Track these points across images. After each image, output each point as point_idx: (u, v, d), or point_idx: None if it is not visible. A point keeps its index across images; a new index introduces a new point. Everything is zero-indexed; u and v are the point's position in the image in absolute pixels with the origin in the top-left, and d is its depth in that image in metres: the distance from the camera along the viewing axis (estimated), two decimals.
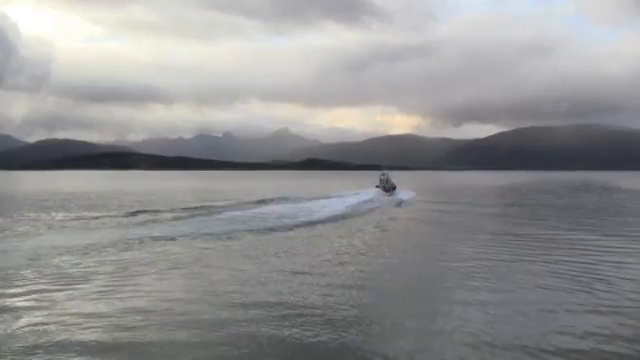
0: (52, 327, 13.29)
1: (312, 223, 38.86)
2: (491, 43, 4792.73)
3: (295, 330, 13.14)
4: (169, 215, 42.72)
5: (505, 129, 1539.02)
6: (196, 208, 49.30)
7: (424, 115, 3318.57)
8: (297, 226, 36.80)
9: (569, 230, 35.55)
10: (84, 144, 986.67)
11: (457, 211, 53.52)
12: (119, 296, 16.51)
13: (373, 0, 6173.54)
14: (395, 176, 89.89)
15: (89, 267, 20.95)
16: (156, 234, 30.32)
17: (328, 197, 64.00)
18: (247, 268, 21.23)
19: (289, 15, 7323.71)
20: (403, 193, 72.42)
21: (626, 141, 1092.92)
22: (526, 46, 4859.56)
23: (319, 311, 14.81)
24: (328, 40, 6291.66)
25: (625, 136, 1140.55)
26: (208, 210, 47.14)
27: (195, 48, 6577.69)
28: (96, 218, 40.02)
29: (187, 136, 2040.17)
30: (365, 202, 58.93)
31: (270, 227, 35.54)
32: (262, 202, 57.35)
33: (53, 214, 43.64)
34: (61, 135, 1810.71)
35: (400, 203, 61.45)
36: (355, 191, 75.39)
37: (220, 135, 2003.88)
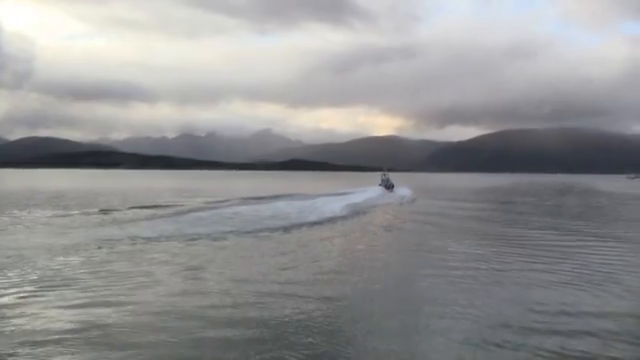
0: (32, 330, 12.77)
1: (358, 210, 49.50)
2: (475, 45, 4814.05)
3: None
4: (148, 213, 42.31)
5: (488, 131, 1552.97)
6: (174, 206, 49.15)
7: (407, 117, 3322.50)
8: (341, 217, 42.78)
9: (562, 234, 35.20)
10: (66, 142, 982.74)
11: (456, 207, 59.85)
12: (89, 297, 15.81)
13: (357, 1, 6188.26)
14: (377, 177, 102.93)
15: (67, 268, 20.17)
16: (138, 234, 29.47)
17: (344, 194, 72.52)
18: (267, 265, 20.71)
19: (274, 15, 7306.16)
20: (401, 190, 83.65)
21: (608, 144, 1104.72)
22: (510, 49, 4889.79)
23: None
24: (312, 40, 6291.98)
25: (607, 139, 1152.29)
26: (189, 209, 46.58)
27: (179, 47, 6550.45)
28: (72, 216, 39.31)
29: (170, 135, 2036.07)
30: (378, 196, 71.48)
31: (295, 218, 39.82)
32: (278, 197, 64.44)
33: (31, 212, 42.94)
34: (43, 133, 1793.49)
35: (403, 198, 70.38)
36: (363, 188, 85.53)
37: (203, 135, 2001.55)
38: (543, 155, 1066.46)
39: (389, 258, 24.60)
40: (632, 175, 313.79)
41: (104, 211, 44.09)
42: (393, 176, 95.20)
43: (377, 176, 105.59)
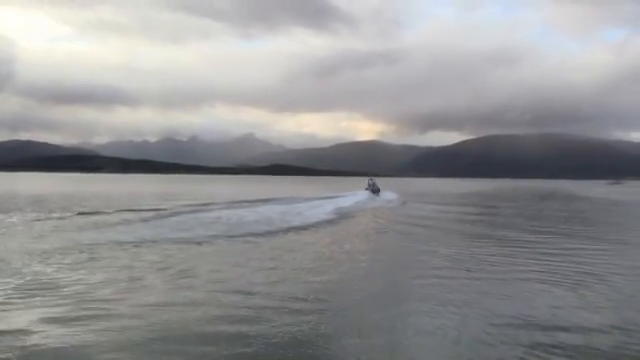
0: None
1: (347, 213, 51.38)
2: (457, 51, 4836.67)
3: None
4: (130, 217, 41.79)
5: (470, 137, 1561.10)
6: (156, 210, 48.35)
7: (390, 122, 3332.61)
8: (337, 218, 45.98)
9: (551, 234, 35.32)
10: (47, 146, 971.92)
11: (446, 210, 62.33)
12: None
13: (341, 6, 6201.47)
14: (361, 182, 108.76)
15: (47, 273, 19.49)
16: (119, 238, 28.73)
17: (333, 197, 75.37)
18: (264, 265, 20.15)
19: (258, 19, 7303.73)
20: (386, 194, 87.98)
21: (589, 150, 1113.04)
22: (492, 55, 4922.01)
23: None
24: (296, 45, 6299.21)
25: (589, 145, 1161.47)
26: (172, 212, 46.03)
27: (162, 50, 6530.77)
28: (53, 220, 38.54)
29: (152, 139, 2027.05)
30: (365, 200, 74.45)
31: (287, 221, 40.41)
32: (267, 201, 66.15)
33: (11, 216, 42.10)
34: (24, 136, 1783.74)
35: (390, 202, 73.73)
36: (351, 192, 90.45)
37: (185, 139, 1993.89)
38: (525, 161, 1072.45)
39: (387, 260, 24.72)
40: (612, 181, 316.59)
41: (83, 214, 43.51)
42: (376, 181, 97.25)
43: (361, 181, 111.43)
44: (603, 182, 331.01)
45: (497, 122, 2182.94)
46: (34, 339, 12.20)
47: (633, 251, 29.33)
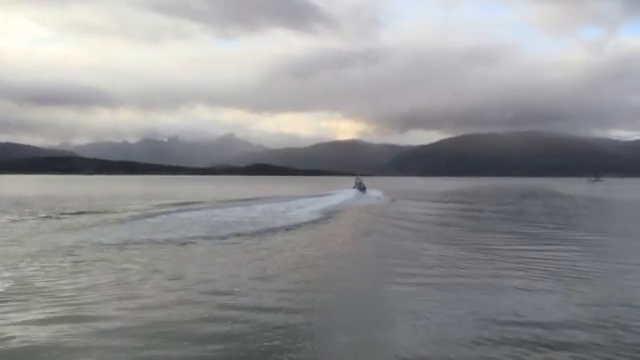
0: None
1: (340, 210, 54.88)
2: (436, 50, 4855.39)
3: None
4: (111, 217, 41.52)
5: (450, 136, 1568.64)
6: (137, 211, 48.55)
7: (370, 121, 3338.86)
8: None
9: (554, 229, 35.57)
10: (27, 148, 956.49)
11: (434, 207, 64.52)
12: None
13: (320, 6, 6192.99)
14: (344, 181, 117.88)
15: (29, 277, 18.87)
16: (102, 240, 28.11)
17: (325, 195, 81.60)
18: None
19: (236, 20, 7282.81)
20: (372, 192, 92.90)
21: (569, 148, 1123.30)
22: (471, 54, 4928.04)
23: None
24: (275, 45, 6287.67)
25: (568, 143, 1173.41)
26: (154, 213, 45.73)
27: (141, 51, 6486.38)
28: (34, 221, 37.93)
29: (132, 140, 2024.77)
30: (354, 197, 78.21)
31: (280, 220, 41.16)
32: (261, 200, 68.78)
33: None
34: (3, 138, 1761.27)
35: (379, 199, 77.38)
36: (339, 190, 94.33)
37: (165, 139, 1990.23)
38: (504, 159, 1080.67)
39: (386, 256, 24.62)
40: (593, 178, 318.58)
41: (62, 215, 43.37)
42: (362, 179, 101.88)
43: (344, 180, 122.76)
44: (584, 179, 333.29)
45: (476, 121, 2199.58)
46: (16, 342, 11.82)
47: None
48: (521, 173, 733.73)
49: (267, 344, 11.76)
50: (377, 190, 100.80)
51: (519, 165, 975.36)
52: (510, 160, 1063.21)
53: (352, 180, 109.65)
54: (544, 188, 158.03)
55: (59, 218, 41.84)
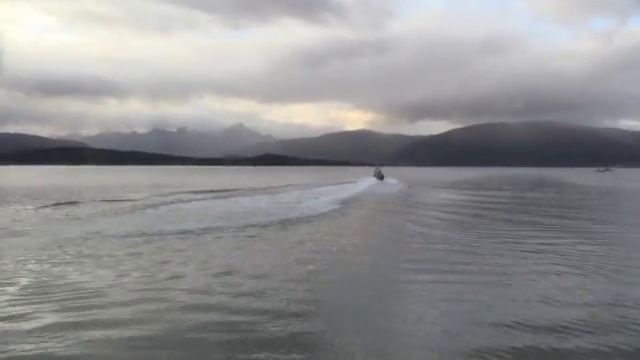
0: None
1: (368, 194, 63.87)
2: (447, 40, 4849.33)
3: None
4: (126, 206, 41.56)
5: (459, 126, 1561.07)
6: (150, 200, 48.76)
7: (379, 111, 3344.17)
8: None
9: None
10: (36, 138, 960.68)
11: (455, 196, 66.09)
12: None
13: None
14: (359, 171, 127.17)
15: (41, 271, 18.50)
16: (112, 231, 27.20)
17: (349, 182, 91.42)
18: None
19: (246, 10, 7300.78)
20: (390, 180, 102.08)
21: (578, 138, 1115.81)
22: (481, 44, 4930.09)
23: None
24: (285, 35, 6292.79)
25: (578, 133, 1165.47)
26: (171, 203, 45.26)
27: (151, 41, 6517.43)
28: (45, 211, 37.74)
29: (141, 131, 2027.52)
30: (375, 185, 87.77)
31: (330, 201, 49.66)
32: (295, 187, 76.56)
33: (6, 208, 41.22)
34: (12, 129, 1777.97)
35: (395, 187, 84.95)
36: (362, 179, 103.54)
37: (174, 130, 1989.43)
38: (514, 149, 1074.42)
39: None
40: (602, 168, 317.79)
41: (71, 203, 44.50)
42: (365, 170, 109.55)
43: (362, 170, 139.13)
44: (592, 169, 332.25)
45: (486, 111, 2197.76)
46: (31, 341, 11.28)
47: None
48: (530, 163, 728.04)
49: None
50: (393, 178, 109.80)
51: (528, 155, 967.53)
52: (519, 150, 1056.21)
53: (370, 170, 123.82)
54: (555, 178, 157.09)
55: (77, 206, 42.00)
